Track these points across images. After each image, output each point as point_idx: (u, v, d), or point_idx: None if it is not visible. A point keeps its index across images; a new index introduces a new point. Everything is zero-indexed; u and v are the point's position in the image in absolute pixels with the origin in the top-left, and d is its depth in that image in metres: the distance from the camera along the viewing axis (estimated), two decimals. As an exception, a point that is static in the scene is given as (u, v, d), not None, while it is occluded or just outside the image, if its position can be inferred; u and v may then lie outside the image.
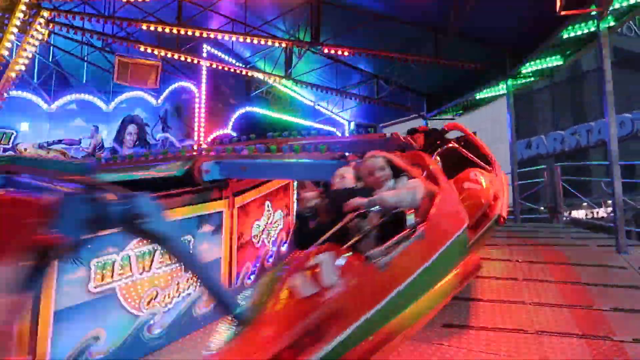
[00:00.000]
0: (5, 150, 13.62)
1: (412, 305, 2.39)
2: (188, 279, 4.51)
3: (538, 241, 7.11)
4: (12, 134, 13.72)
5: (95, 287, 3.70)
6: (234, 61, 13.98)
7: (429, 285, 2.53)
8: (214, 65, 13.14)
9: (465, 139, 5.45)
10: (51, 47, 13.60)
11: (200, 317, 4.60)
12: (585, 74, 23.30)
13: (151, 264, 4.17)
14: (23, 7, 8.80)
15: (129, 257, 3.97)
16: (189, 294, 4.50)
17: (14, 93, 11.62)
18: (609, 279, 5.07)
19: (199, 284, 2.32)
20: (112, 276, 3.82)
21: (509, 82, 10.68)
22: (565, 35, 8.70)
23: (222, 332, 2.30)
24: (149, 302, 4.10)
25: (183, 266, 2.16)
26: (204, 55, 13.30)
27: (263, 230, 5.86)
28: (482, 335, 4.02)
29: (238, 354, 2.04)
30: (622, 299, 4.50)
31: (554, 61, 9.83)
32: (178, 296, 4.39)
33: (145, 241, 4.15)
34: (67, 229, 1.67)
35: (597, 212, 18.15)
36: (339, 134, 15.34)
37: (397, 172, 3.02)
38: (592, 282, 4.98)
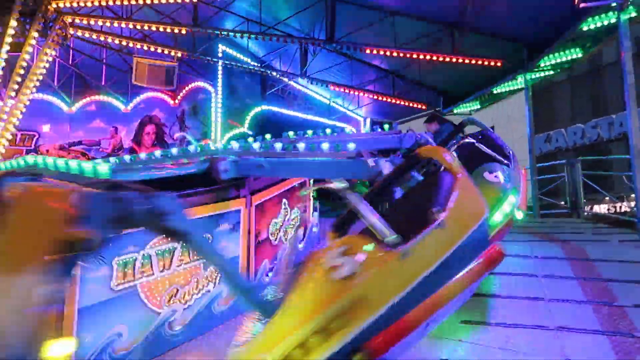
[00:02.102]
0: (28, 151, 13.93)
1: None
2: (207, 277, 4.58)
3: (558, 237, 7.01)
4: (34, 135, 14.02)
5: (117, 285, 3.78)
6: (249, 60, 14.06)
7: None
8: (230, 65, 13.24)
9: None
10: (71, 50, 13.85)
11: (220, 314, 4.66)
12: (606, 66, 22.77)
13: (171, 262, 4.24)
14: (43, 12, 8.99)
15: (150, 255, 4.04)
16: (209, 291, 4.56)
17: (35, 95, 11.86)
18: (631, 275, 4.97)
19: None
20: (133, 274, 3.89)
21: (527, 76, 10.54)
22: (585, 28, 8.55)
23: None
24: (169, 300, 4.17)
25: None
26: (220, 55, 13.41)
27: (280, 228, 5.91)
28: (500, 331, 3.99)
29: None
30: (644, 295, 4.42)
31: (573, 54, 9.67)
32: (198, 293, 4.46)
33: (165, 239, 4.23)
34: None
35: (620, 207, 17.78)
36: (354, 130, 15.31)
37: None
38: (613, 278, 4.90)
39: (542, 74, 10.91)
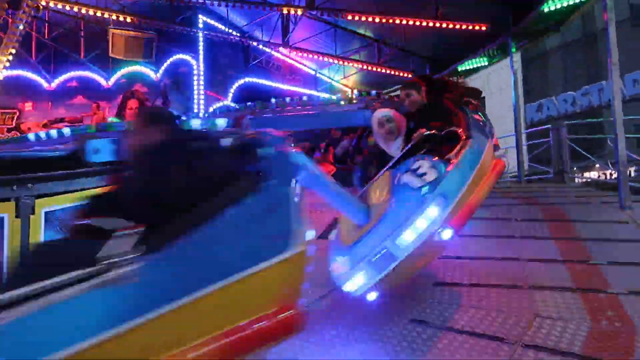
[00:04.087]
0: (9, 130, 13.68)
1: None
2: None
3: (540, 200, 6.98)
4: (15, 113, 13.76)
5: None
6: (231, 31, 13.75)
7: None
8: (211, 36, 12.94)
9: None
10: (46, 24, 13.48)
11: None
12: (599, 32, 22.52)
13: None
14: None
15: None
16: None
17: (14, 72, 11.59)
18: (609, 234, 4.96)
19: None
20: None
21: (513, 40, 10.34)
22: (570, -13, 8.38)
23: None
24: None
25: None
26: (200, 26, 13.10)
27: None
28: (474, 292, 3.96)
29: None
30: (620, 253, 4.41)
31: (559, 15, 9.48)
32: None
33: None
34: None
35: (610, 174, 17.79)
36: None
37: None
38: (591, 237, 4.88)
39: (528, 39, 10.73)
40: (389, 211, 3.00)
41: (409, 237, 2.88)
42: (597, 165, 16.71)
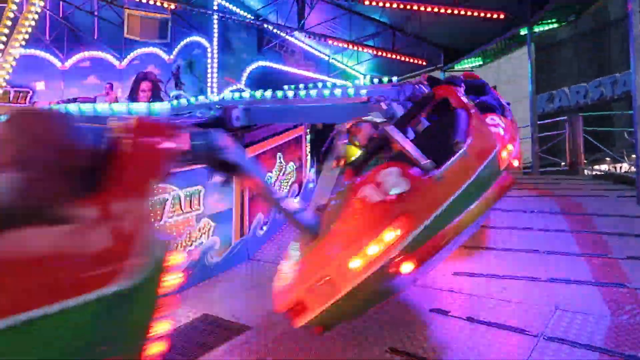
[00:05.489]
0: (22, 109, 13.68)
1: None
2: (200, 229, 4.55)
3: (556, 192, 6.96)
4: (28, 92, 13.77)
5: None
6: (245, 14, 13.63)
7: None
8: (225, 18, 12.82)
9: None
10: (61, 2, 13.40)
11: (212, 266, 4.67)
12: (612, 23, 22.14)
13: (162, 214, 4.20)
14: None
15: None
16: (201, 243, 4.55)
17: (27, 51, 11.56)
18: (627, 229, 4.94)
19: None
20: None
21: (530, 29, 10.20)
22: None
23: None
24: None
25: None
26: (215, 7, 12.98)
27: (274, 182, 5.86)
28: (493, 282, 4.00)
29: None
30: (639, 248, 4.41)
31: (578, 5, 9.34)
32: (190, 245, 4.45)
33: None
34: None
35: (621, 167, 17.64)
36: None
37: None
38: (609, 231, 4.87)
39: (546, 27, 10.58)
40: None
41: None
42: (608, 159, 16.58)
